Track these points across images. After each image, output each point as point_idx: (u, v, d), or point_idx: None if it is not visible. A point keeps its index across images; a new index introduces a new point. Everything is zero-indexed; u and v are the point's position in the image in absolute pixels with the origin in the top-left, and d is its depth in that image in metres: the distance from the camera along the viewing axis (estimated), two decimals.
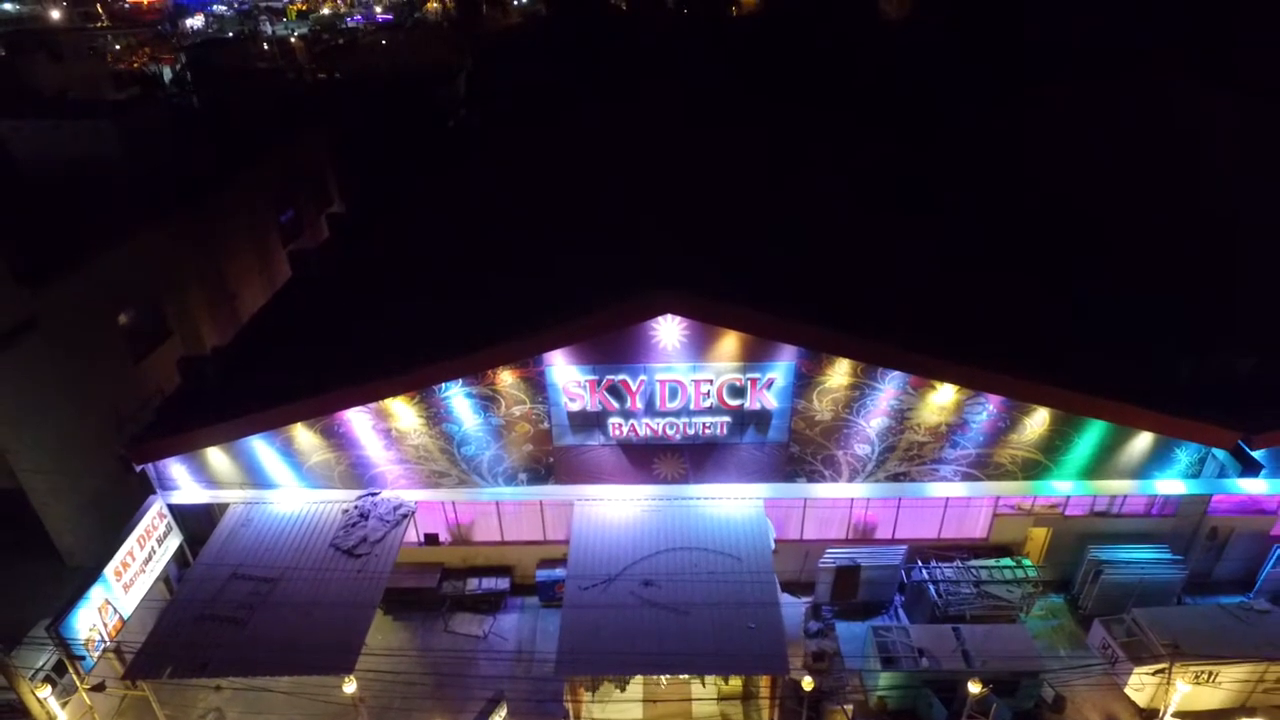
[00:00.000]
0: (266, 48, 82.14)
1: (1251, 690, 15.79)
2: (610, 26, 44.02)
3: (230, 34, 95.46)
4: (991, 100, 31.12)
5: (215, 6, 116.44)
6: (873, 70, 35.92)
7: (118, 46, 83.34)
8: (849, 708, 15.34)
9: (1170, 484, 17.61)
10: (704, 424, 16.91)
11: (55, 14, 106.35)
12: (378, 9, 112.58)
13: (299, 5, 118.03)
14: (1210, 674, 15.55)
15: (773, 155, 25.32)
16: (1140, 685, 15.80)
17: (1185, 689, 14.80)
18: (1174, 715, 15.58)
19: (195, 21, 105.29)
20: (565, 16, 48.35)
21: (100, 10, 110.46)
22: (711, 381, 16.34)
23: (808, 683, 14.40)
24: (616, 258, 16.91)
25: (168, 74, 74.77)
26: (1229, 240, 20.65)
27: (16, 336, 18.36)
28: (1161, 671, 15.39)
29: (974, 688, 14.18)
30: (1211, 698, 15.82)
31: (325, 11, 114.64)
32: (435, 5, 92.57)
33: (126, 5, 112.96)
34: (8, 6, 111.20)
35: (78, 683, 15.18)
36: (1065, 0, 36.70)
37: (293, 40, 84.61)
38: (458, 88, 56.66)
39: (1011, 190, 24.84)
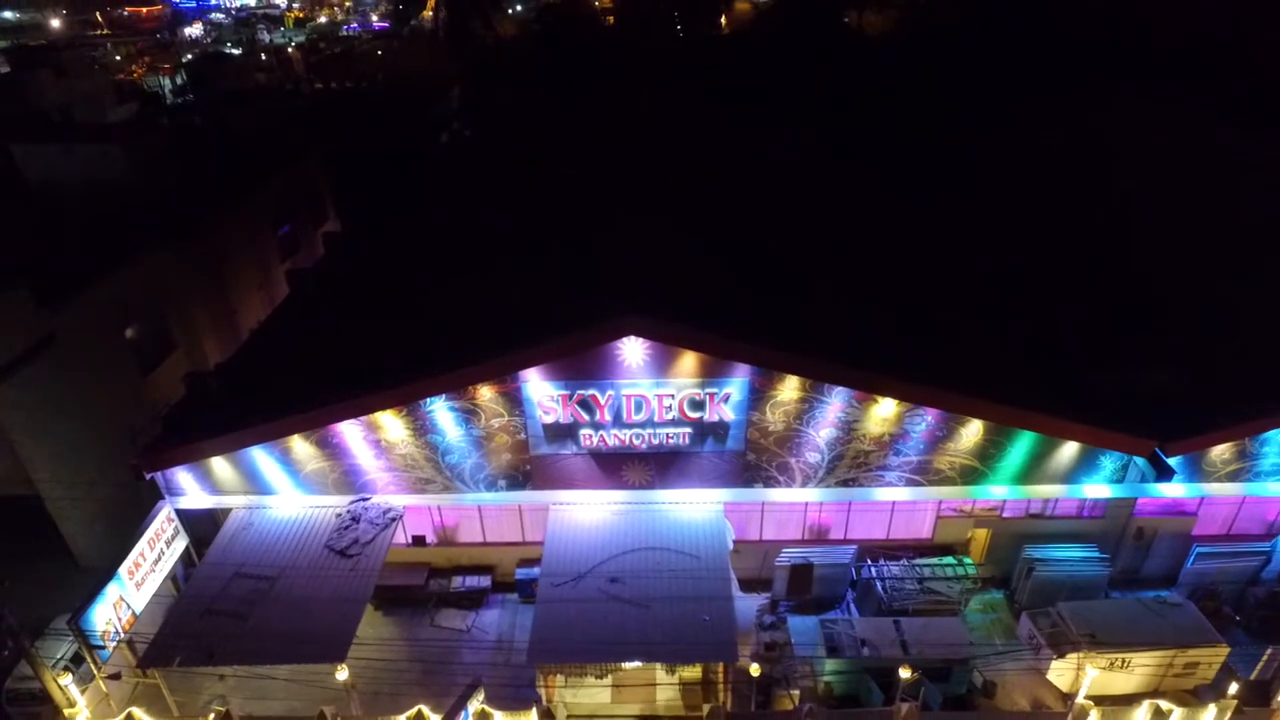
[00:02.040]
0: (264, 58, 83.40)
1: (1163, 675, 17.36)
2: (599, 48, 45.51)
3: (229, 43, 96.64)
4: (948, 122, 32.77)
5: (213, 14, 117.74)
6: (847, 90, 37.50)
7: (118, 57, 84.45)
8: (795, 693, 16.88)
9: (1097, 488, 19.19)
10: (667, 434, 18.45)
11: (55, 22, 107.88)
12: (374, 17, 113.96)
13: (296, 13, 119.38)
14: (1124, 661, 17.13)
15: (740, 181, 26.85)
16: (1061, 671, 17.38)
17: (1094, 673, 16.35)
18: (1093, 699, 17.11)
19: (194, 30, 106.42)
20: (554, 38, 49.81)
21: (100, 18, 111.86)
22: (673, 396, 17.88)
23: (754, 669, 15.98)
24: (588, 280, 18.48)
25: (167, 84, 76.32)
26: (1154, 264, 22.24)
27: (36, 354, 19.92)
28: (1079, 659, 16.95)
29: (904, 673, 15.75)
30: (1126, 683, 17.38)
31: (322, 20, 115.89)
32: (429, 14, 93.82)
33: (126, 13, 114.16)
34: (8, 14, 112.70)
35: (95, 671, 16.73)
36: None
37: (290, 50, 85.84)
38: (451, 101, 58.16)
39: (958, 212, 26.35)
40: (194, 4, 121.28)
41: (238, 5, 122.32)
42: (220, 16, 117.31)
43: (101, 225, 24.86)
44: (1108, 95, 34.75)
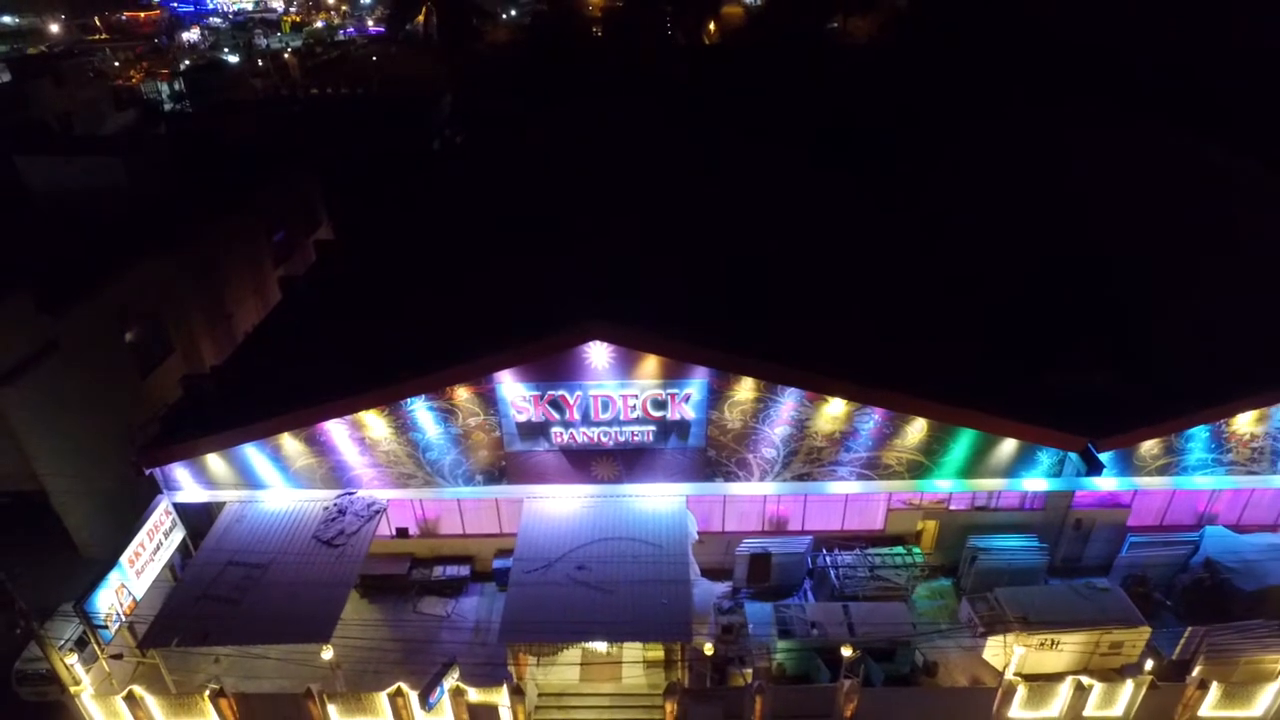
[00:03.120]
0: (260, 63, 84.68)
1: (1090, 655, 18.69)
2: (588, 61, 46.85)
3: (226, 49, 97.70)
4: (912, 131, 34.14)
5: (211, 19, 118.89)
6: (818, 101, 38.86)
7: (117, 63, 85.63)
8: (748, 671, 18.20)
9: (1035, 482, 20.53)
10: (633, 432, 19.75)
11: (55, 27, 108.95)
12: (370, 21, 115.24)
13: (293, 17, 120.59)
14: (1054, 641, 18.46)
15: (708, 190, 28.10)
16: (996, 651, 18.71)
17: (1021, 651, 17.69)
18: (1027, 677, 18.41)
19: (191, 35, 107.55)
20: (544, 51, 51.16)
21: (99, 23, 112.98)
22: (637, 396, 19.17)
23: (709, 648, 17.32)
24: (560, 287, 19.80)
25: (165, 90, 77.55)
26: (1094, 273, 23.55)
27: (40, 358, 21.22)
28: (1011, 639, 18.28)
29: (846, 652, 17.08)
30: (1057, 661, 18.71)
31: (319, 24, 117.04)
32: (423, 19, 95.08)
33: (124, 18, 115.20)
34: (7, 19, 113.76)
35: (98, 652, 18.02)
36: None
37: (286, 56, 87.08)
38: (444, 107, 59.42)
39: (914, 221, 27.65)
40: (191, 8, 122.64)
41: (235, 10, 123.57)
42: (217, 21, 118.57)
43: (102, 233, 26.09)
44: (1063, 108, 36.17)
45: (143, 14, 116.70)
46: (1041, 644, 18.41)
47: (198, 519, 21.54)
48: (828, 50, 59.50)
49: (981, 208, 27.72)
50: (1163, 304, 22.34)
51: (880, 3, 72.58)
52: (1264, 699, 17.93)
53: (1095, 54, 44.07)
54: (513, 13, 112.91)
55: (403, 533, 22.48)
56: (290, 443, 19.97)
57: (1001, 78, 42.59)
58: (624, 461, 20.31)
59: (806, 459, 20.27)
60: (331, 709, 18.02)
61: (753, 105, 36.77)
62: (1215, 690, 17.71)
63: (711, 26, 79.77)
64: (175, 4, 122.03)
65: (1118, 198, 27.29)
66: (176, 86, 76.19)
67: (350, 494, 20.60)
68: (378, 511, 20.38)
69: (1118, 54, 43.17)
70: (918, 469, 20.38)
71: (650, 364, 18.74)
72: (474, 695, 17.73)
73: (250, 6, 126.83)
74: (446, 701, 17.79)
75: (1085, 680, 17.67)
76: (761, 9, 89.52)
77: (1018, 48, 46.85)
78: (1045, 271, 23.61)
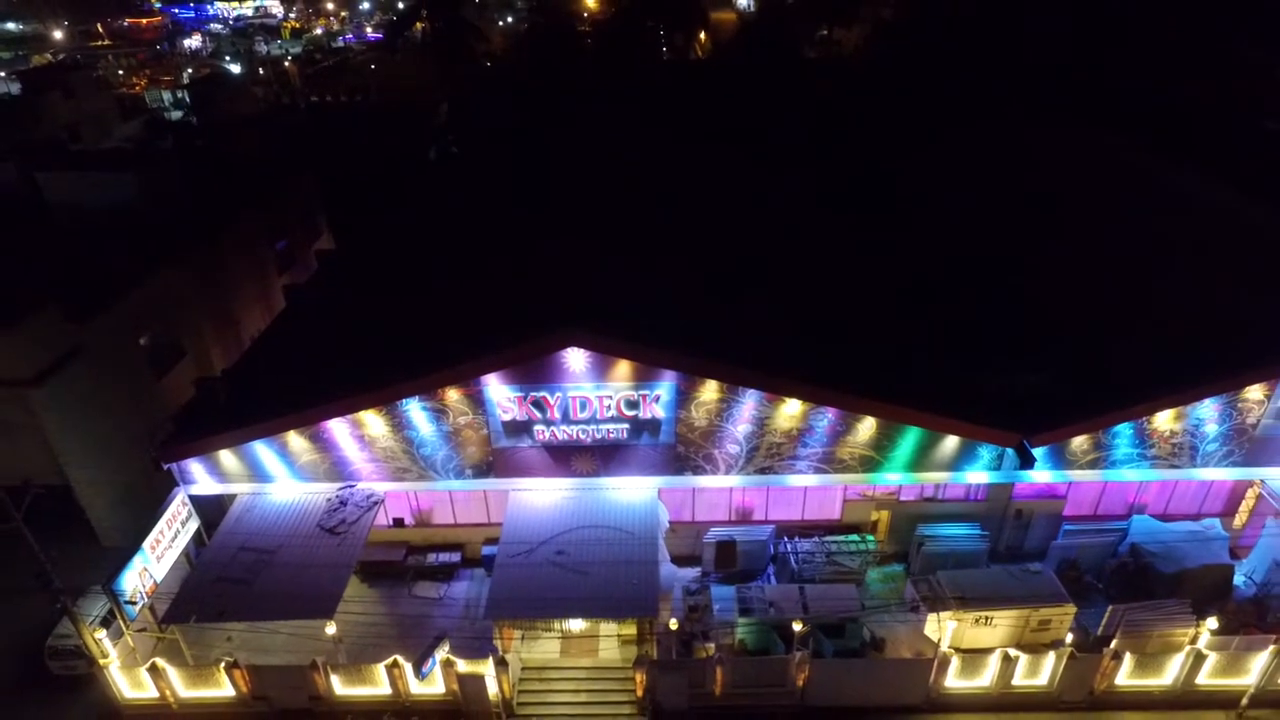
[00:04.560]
0: (261, 71, 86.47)
1: (1022, 631, 20.65)
2: (577, 74, 48.75)
3: (227, 56, 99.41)
4: (879, 144, 36.12)
5: (211, 25, 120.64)
6: (795, 116, 40.81)
7: (120, 71, 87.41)
8: (710, 645, 20.18)
9: (977, 475, 22.45)
10: (608, 430, 21.68)
11: (58, 34, 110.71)
12: (368, 28, 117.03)
13: (292, 23, 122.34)
14: (988, 618, 20.43)
15: (679, 202, 29.93)
16: (935, 628, 20.66)
17: (953, 625, 19.68)
18: (966, 651, 20.36)
19: (193, 41, 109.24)
20: (538, 65, 53.11)
21: (101, 29, 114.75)
22: (612, 397, 21.10)
23: (673, 624, 19.27)
24: (542, 296, 21.70)
25: (168, 98, 79.34)
26: (1034, 283, 25.47)
27: (66, 363, 23.15)
28: (947, 616, 20.25)
29: (797, 626, 19.04)
30: (992, 636, 20.66)
31: (318, 31, 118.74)
32: (422, 25, 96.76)
33: (126, 24, 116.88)
34: (10, 25, 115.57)
35: (124, 628, 19.96)
36: None
37: (287, 64, 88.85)
38: (440, 115, 61.22)
39: (874, 232, 29.56)
40: (192, 14, 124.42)
41: (234, 16, 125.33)
42: (218, 27, 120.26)
43: (119, 245, 27.97)
44: (1028, 122, 38.18)
45: (144, 20, 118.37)
46: (976, 620, 20.38)
47: (210, 510, 23.47)
48: (806, 63, 61.45)
49: (935, 219, 29.65)
50: (1093, 312, 24.18)
51: (865, 14, 74.28)
52: (1172, 669, 19.90)
53: (1073, 71, 45.99)
54: (509, 19, 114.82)
55: (399, 522, 24.44)
56: (296, 440, 21.89)
57: (975, 90, 44.54)
58: (600, 456, 22.23)
59: (767, 454, 22.19)
60: (334, 679, 19.98)
61: (730, 118, 38.73)
62: (1129, 661, 19.68)
63: (703, 36, 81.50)
64: (176, 10, 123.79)
65: (1061, 211, 29.24)
66: (180, 95, 78.03)
67: (351, 487, 22.50)
68: (376, 503, 22.32)
69: (1094, 71, 45.11)
70: (869, 463, 22.31)
71: (623, 367, 20.67)
72: (463, 666, 19.67)
73: (250, 12, 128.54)
74: (438, 672, 19.74)
75: (1012, 652, 19.64)
76: (753, 16, 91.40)
77: (995, 62, 48.73)
78: (987, 280, 25.53)
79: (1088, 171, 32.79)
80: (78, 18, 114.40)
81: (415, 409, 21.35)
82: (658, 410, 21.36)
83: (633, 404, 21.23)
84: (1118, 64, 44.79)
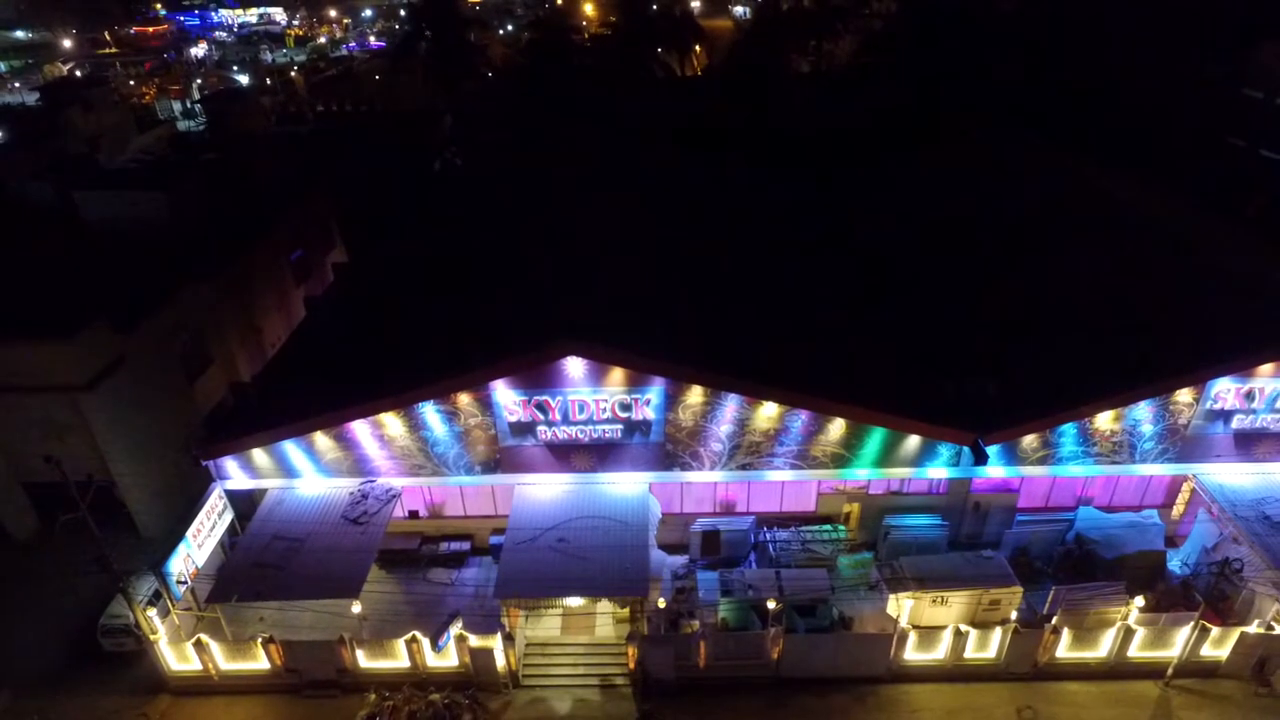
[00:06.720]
0: (269, 81, 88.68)
1: (974, 610, 23.02)
2: (580, 93, 51.05)
3: (233, 64, 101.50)
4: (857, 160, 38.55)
5: (217, 33, 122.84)
6: (783, 131, 43.21)
7: (131, 81, 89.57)
8: (695, 623, 22.56)
9: (937, 470, 24.85)
10: (604, 430, 24.03)
11: (66, 42, 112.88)
12: (371, 36, 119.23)
13: (297, 30, 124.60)
14: (944, 599, 22.80)
15: (668, 217, 32.37)
16: (897, 607, 23.05)
17: (910, 603, 22.07)
18: (925, 629, 22.72)
19: (199, 50, 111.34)
20: (537, 80, 55.39)
21: (108, 37, 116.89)
22: (607, 400, 23.44)
23: (661, 602, 21.65)
24: (545, 308, 24.05)
25: (177, 107, 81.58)
26: (994, 293, 27.85)
27: (113, 370, 25.49)
28: (906, 597, 22.64)
29: (771, 605, 21.42)
30: (947, 615, 23.03)
31: (322, 39, 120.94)
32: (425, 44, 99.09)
33: (133, 32, 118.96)
34: (19, 34, 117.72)
35: (170, 606, 22.31)
36: None
37: (293, 74, 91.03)
38: (444, 126, 63.44)
39: (850, 246, 32.00)
40: (198, 23, 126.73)
41: (239, 24, 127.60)
42: (223, 35, 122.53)
43: (152, 260, 30.28)
44: (994, 139, 40.63)
45: (151, 28, 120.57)
46: (933, 600, 22.77)
47: (241, 504, 25.81)
48: (792, 78, 63.82)
49: (903, 233, 32.07)
50: (1042, 322, 26.51)
51: (855, 26, 76.48)
52: (1105, 642, 22.29)
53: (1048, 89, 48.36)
54: (509, 27, 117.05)
55: (414, 514, 26.81)
56: (322, 439, 24.22)
57: (958, 105, 46.97)
58: (597, 454, 24.58)
59: (748, 452, 24.55)
60: (359, 653, 22.35)
61: (714, 133, 41.19)
62: (1067, 635, 22.08)
63: (698, 48, 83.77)
64: (182, 18, 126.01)
65: (1018, 226, 31.65)
66: (189, 104, 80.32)
67: (371, 482, 24.84)
68: (394, 496, 24.66)
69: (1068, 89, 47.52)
70: (840, 460, 24.66)
71: (617, 374, 23.02)
72: (474, 641, 22.02)
73: (255, 20, 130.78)
74: (452, 646, 22.12)
75: (963, 628, 22.03)
76: (749, 23, 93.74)
77: (978, 77, 51.10)
78: (946, 293, 27.93)
79: (1044, 188, 35.18)
80: (86, 26, 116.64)
81: (430, 411, 23.68)
82: (648, 412, 23.70)
83: (626, 407, 23.58)
84: (1078, 83, 47.19)
